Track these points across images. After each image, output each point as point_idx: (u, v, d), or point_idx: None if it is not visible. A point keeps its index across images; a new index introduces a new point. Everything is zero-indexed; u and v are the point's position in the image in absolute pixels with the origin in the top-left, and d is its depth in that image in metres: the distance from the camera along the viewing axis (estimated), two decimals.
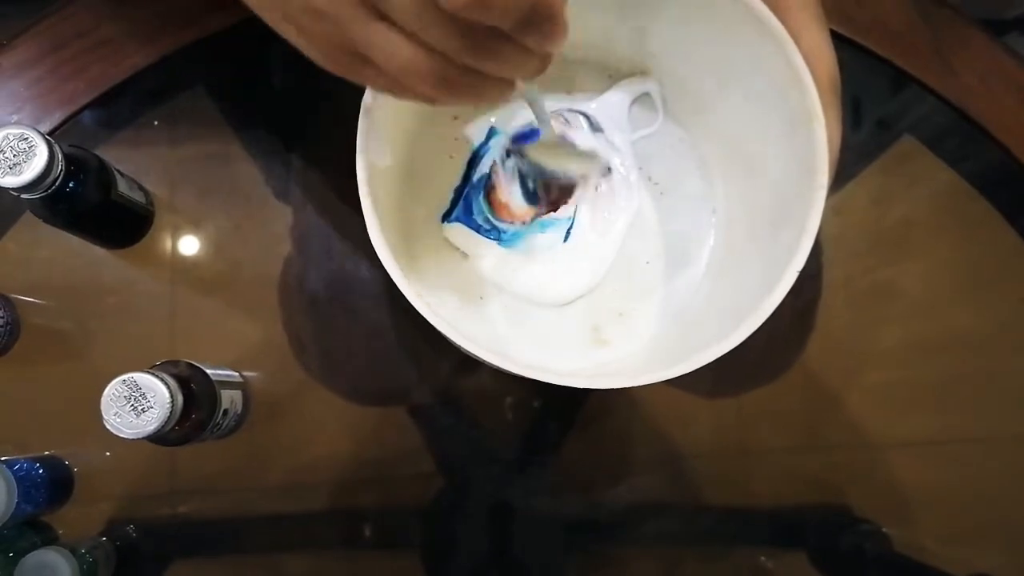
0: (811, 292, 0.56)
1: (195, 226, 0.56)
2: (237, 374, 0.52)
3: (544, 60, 0.31)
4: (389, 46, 0.29)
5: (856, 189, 0.58)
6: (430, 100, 0.31)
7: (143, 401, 0.39)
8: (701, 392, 0.56)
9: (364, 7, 0.28)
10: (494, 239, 0.50)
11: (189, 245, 0.56)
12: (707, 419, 0.56)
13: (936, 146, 0.57)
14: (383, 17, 0.28)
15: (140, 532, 0.53)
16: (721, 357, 0.38)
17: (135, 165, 0.55)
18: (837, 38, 0.55)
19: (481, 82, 0.31)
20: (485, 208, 0.50)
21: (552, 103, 0.52)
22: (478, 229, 0.50)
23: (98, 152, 0.50)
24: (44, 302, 0.54)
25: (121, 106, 0.56)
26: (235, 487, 0.54)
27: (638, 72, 0.52)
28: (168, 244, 0.55)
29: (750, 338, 0.38)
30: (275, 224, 0.56)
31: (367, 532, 0.54)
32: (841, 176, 0.57)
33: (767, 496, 0.55)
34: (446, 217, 0.51)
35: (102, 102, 0.56)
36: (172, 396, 0.39)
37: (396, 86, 0.31)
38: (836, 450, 0.56)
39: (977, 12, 1.03)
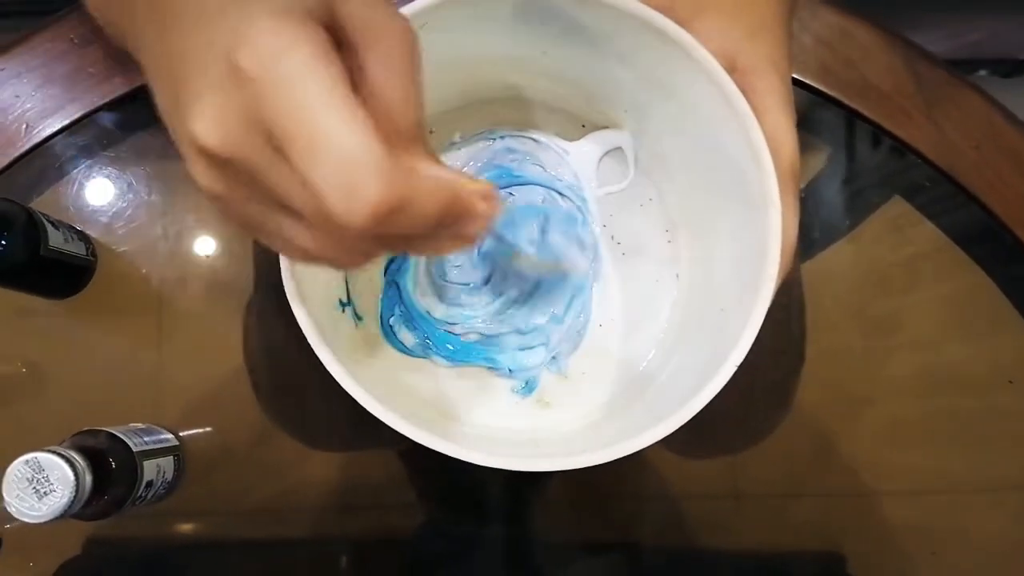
0: (804, 336, 0.54)
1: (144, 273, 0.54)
2: (172, 436, 0.50)
3: (467, 240, 0.29)
4: (292, 234, 0.27)
5: (840, 251, 0.55)
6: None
7: (45, 484, 0.37)
8: (692, 434, 0.54)
9: (265, 201, 0.26)
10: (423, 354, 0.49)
11: (133, 295, 0.53)
12: (698, 461, 0.54)
13: (926, 210, 0.54)
14: (285, 208, 0.26)
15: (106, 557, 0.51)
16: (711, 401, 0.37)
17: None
18: (823, 98, 0.54)
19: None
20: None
21: (520, 145, 0.50)
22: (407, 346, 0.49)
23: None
24: None
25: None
26: (213, 510, 0.52)
27: (611, 125, 0.49)
28: (112, 293, 0.53)
29: (742, 383, 0.37)
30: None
31: (344, 563, 0.53)
32: (825, 239, 0.55)
33: (758, 542, 0.54)
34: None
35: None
36: (78, 477, 0.37)
37: (298, 258, 0.29)
38: (830, 498, 0.54)
39: (993, 51, 0.99)
